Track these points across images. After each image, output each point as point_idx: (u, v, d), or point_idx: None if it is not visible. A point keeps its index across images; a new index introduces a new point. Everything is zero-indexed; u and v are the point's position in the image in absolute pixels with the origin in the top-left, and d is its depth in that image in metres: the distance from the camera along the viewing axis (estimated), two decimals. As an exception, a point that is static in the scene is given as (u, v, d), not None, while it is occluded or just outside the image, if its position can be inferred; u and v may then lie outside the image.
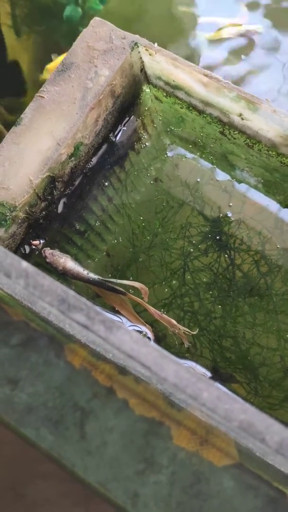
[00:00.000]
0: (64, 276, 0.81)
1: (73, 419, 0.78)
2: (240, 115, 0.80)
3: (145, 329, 0.80)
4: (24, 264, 0.45)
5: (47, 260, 0.80)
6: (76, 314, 0.43)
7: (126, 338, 0.42)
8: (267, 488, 0.83)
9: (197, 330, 0.83)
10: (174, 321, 0.79)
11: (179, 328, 0.79)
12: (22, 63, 1.41)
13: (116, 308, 0.81)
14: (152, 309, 0.78)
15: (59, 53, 1.38)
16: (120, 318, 0.79)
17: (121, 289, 0.79)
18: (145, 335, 0.78)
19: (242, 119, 0.80)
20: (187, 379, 0.42)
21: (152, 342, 0.44)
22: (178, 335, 0.80)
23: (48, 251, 0.80)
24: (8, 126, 1.02)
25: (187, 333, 0.80)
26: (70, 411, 0.82)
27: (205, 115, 0.86)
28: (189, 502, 0.80)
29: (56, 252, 0.81)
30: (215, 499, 0.81)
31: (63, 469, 0.82)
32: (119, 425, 0.83)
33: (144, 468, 0.81)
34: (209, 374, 0.80)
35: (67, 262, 0.79)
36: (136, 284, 0.79)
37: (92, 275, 0.79)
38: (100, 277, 0.79)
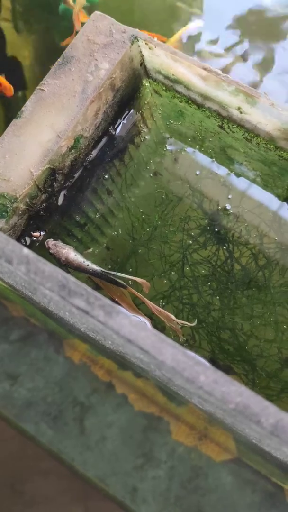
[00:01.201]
0: (66, 267, 0.82)
1: (72, 414, 0.79)
2: (239, 108, 0.81)
3: (144, 320, 0.81)
4: (25, 250, 0.45)
5: (50, 251, 0.81)
6: (76, 299, 0.44)
7: (125, 322, 0.43)
8: (265, 482, 0.84)
9: (195, 322, 0.83)
10: (171, 316, 0.80)
11: (177, 323, 0.80)
12: (22, 58, 1.41)
13: (116, 300, 0.82)
14: (150, 303, 0.79)
15: (57, 50, 1.38)
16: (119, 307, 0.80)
17: (121, 281, 0.80)
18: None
19: (241, 112, 0.81)
20: (184, 362, 0.42)
21: (150, 327, 0.45)
22: (175, 330, 0.81)
23: (51, 242, 0.81)
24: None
25: (185, 325, 0.81)
26: (69, 406, 0.83)
27: (204, 109, 0.86)
28: (187, 497, 0.81)
29: (59, 243, 0.81)
30: (214, 493, 0.82)
31: (62, 464, 0.83)
32: (118, 420, 0.84)
33: (143, 463, 0.82)
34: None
35: (70, 253, 0.80)
36: (138, 280, 0.80)
37: (94, 266, 0.80)
38: (102, 269, 0.80)
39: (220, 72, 0.77)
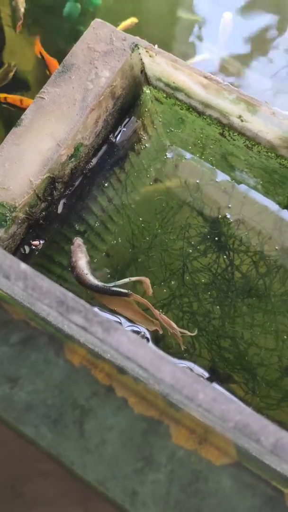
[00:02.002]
0: (71, 270, 0.82)
1: (72, 417, 0.78)
2: (240, 117, 0.80)
3: (153, 327, 0.80)
4: (23, 266, 0.45)
5: (71, 248, 0.82)
6: (75, 315, 0.44)
7: (123, 339, 0.43)
8: (265, 487, 0.84)
9: (196, 331, 0.83)
10: (173, 324, 0.79)
11: (177, 331, 0.80)
12: (24, 62, 1.41)
13: (117, 310, 0.81)
14: (154, 310, 0.79)
15: (60, 53, 1.38)
16: (119, 318, 0.80)
17: (125, 291, 0.79)
18: (143, 336, 0.78)
19: (242, 121, 0.81)
20: (183, 380, 0.42)
21: (149, 343, 0.44)
22: (175, 337, 0.81)
23: (78, 241, 0.82)
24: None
25: (185, 334, 0.81)
26: (69, 409, 0.83)
27: (205, 117, 0.86)
28: (187, 500, 0.80)
29: (83, 248, 0.82)
30: (213, 498, 0.82)
31: (62, 467, 0.82)
32: (118, 423, 0.83)
33: (143, 466, 0.82)
34: (206, 374, 0.81)
35: (81, 260, 0.81)
36: (138, 279, 0.79)
37: (97, 282, 0.79)
38: (103, 283, 0.79)
39: (221, 80, 0.76)
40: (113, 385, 0.86)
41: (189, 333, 0.81)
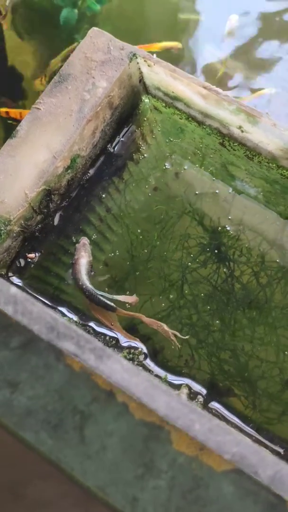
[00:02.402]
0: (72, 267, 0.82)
1: (72, 423, 0.77)
2: (240, 127, 0.79)
3: (136, 343, 0.80)
4: (13, 289, 0.44)
5: (76, 245, 0.82)
6: (66, 342, 0.42)
7: (117, 367, 0.41)
8: (267, 493, 0.83)
9: (188, 336, 0.82)
10: (164, 325, 0.79)
11: (167, 331, 0.79)
12: (23, 67, 1.40)
13: (100, 320, 0.81)
14: (139, 315, 0.78)
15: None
16: (116, 334, 0.79)
17: (111, 304, 0.79)
18: (140, 352, 0.77)
19: (242, 131, 0.79)
20: (178, 410, 0.41)
21: (143, 372, 0.43)
22: (169, 339, 0.80)
23: (84, 240, 0.83)
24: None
25: (177, 336, 0.80)
26: (69, 415, 0.82)
27: (204, 126, 0.84)
28: (188, 507, 0.79)
29: (87, 247, 0.83)
30: (215, 504, 0.80)
31: (62, 473, 0.81)
32: (119, 429, 0.82)
33: (144, 472, 0.80)
34: (205, 391, 0.79)
35: (83, 258, 0.81)
36: (126, 299, 0.79)
37: (88, 284, 0.79)
38: (95, 290, 0.79)
39: (220, 91, 0.75)
40: (113, 390, 0.85)
41: (180, 336, 0.80)
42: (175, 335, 0.80)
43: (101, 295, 0.79)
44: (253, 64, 1.35)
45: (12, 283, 0.76)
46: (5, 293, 0.43)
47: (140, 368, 0.69)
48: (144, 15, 1.44)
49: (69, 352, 0.41)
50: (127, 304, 0.82)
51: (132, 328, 0.84)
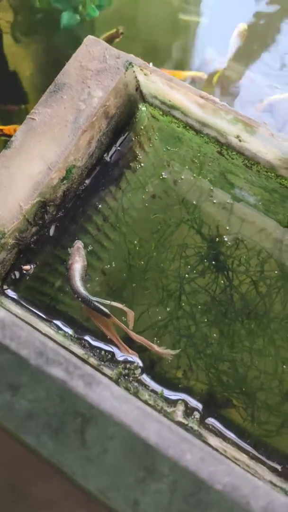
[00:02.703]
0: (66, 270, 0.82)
1: (73, 426, 0.76)
2: (238, 137, 0.77)
3: (127, 353, 0.79)
4: (1, 313, 0.43)
5: (70, 249, 0.82)
6: (54, 368, 0.41)
7: (106, 395, 0.40)
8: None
9: (179, 350, 0.81)
10: (154, 346, 0.78)
11: (158, 350, 0.78)
12: (22, 70, 1.39)
13: (98, 325, 0.80)
14: (131, 333, 0.78)
15: (58, 60, 1.37)
16: (112, 348, 0.78)
17: (106, 310, 0.78)
18: (136, 366, 0.76)
19: (240, 140, 0.78)
20: (169, 439, 0.40)
21: (133, 398, 0.42)
22: (160, 354, 0.79)
23: (78, 244, 0.82)
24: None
25: (168, 353, 0.80)
26: (70, 418, 0.81)
27: (202, 135, 0.83)
28: (189, 511, 0.78)
29: (82, 251, 0.82)
30: (215, 508, 0.80)
31: (63, 477, 0.80)
32: (120, 432, 0.81)
33: (145, 476, 0.80)
34: (201, 405, 0.78)
35: (77, 263, 0.80)
36: (125, 308, 0.78)
37: (81, 290, 0.78)
38: (89, 296, 0.78)
39: (217, 100, 0.73)
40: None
41: (171, 352, 0.79)
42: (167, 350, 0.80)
43: (96, 301, 0.78)
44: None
45: (7, 296, 0.75)
46: (-7, 317, 0.42)
47: (132, 391, 0.68)
48: (144, 19, 1.43)
49: (58, 378, 0.40)
50: (123, 317, 0.81)
51: (128, 338, 0.84)
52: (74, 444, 0.79)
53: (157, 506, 0.77)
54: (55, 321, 0.78)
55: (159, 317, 0.84)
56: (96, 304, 0.77)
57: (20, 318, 0.68)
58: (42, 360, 0.41)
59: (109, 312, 0.78)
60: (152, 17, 1.43)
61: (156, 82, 0.77)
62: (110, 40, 1.27)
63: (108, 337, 0.79)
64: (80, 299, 0.79)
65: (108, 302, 0.78)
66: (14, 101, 1.35)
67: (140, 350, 0.82)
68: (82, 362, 0.47)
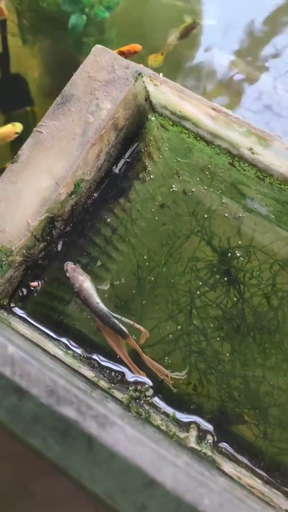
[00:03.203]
0: (76, 295, 0.79)
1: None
2: (251, 149, 0.75)
3: (136, 373, 0.77)
4: (10, 349, 0.41)
5: (67, 275, 0.78)
6: (66, 407, 0.39)
7: (120, 437, 0.39)
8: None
9: (185, 373, 0.80)
10: (164, 370, 0.76)
11: (168, 376, 0.77)
12: (29, 72, 1.37)
13: (108, 341, 0.78)
14: (145, 356, 0.76)
15: (66, 61, 1.35)
16: (121, 368, 0.76)
17: (124, 329, 0.76)
18: (147, 388, 0.74)
19: (253, 153, 0.76)
20: (186, 483, 0.38)
21: (148, 441, 0.40)
22: (167, 382, 0.78)
23: (70, 266, 0.78)
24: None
25: (177, 377, 0.78)
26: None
27: (213, 146, 0.81)
28: None
29: (78, 269, 0.79)
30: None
31: (70, 480, 0.79)
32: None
33: (152, 480, 0.78)
34: (212, 427, 0.77)
35: (85, 282, 0.78)
36: (141, 329, 0.76)
37: (102, 306, 0.76)
38: (109, 311, 0.76)
39: (230, 112, 0.71)
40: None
41: (180, 376, 0.78)
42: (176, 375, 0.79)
43: (116, 318, 0.76)
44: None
45: (14, 314, 0.74)
46: (2, 353, 0.41)
47: (144, 416, 0.66)
48: (150, 20, 1.41)
49: (70, 418, 0.38)
50: (134, 336, 0.79)
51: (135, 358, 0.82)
52: (81, 447, 0.78)
53: (164, 510, 0.76)
54: (62, 339, 0.77)
55: (170, 329, 0.83)
56: (116, 321, 0.76)
57: (28, 338, 0.66)
58: (53, 399, 0.39)
59: (127, 332, 0.76)
60: (158, 17, 1.41)
61: (166, 92, 0.75)
62: (186, 33, 1.23)
63: (118, 356, 0.77)
64: (100, 316, 0.77)
65: (131, 322, 0.77)
66: (20, 103, 1.33)
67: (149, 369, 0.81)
68: (95, 399, 0.45)
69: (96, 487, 0.75)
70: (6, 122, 1.28)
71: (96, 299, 0.77)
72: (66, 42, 1.39)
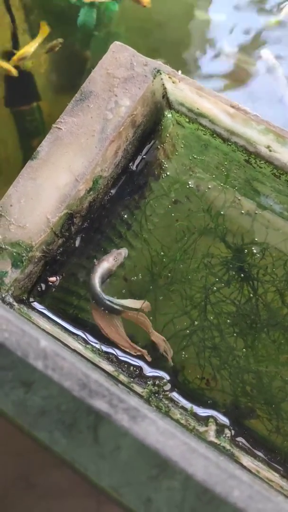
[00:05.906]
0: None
1: (86, 423, 0.76)
2: (268, 147, 0.76)
3: (134, 352, 0.78)
4: (43, 343, 0.42)
5: (113, 249, 0.82)
6: (98, 401, 0.40)
7: (151, 429, 0.39)
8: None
9: (171, 363, 0.81)
10: (163, 342, 0.78)
11: (169, 349, 0.78)
12: (37, 67, 1.38)
13: (102, 328, 0.79)
14: (142, 320, 0.78)
15: (73, 56, 1.35)
16: (113, 350, 0.77)
17: (116, 307, 0.77)
18: (165, 383, 0.75)
19: (270, 151, 0.76)
20: (217, 475, 0.39)
21: (178, 433, 0.41)
22: (165, 354, 0.79)
23: (122, 250, 0.83)
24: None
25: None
26: (83, 414, 0.81)
27: (229, 143, 0.81)
28: (202, 508, 0.78)
29: (119, 258, 0.83)
30: (228, 505, 0.79)
31: (76, 473, 0.80)
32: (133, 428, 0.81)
33: (158, 473, 0.79)
34: (229, 421, 0.77)
35: (105, 262, 0.80)
36: (135, 303, 0.78)
37: (97, 286, 0.78)
38: (103, 294, 0.78)
39: (249, 110, 0.72)
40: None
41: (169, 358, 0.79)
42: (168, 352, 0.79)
43: (108, 300, 0.78)
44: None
45: (33, 308, 0.74)
46: (35, 347, 0.41)
47: (164, 410, 0.67)
48: (158, 15, 1.41)
49: (102, 411, 0.39)
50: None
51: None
52: (87, 440, 0.78)
53: (170, 503, 0.77)
54: (80, 334, 0.78)
55: (185, 324, 0.83)
56: (108, 302, 0.77)
57: (49, 333, 0.67)
58: (85, 392, 0.40)
59: (119, 308, 0.77)
60: (166, 12, 1.41)
61: (184, 90, 0.76)
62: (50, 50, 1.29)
63: (112, 339, 0.78)
64: (92, 294, 0.78)
65: (120, 301, 0.77)
66: (27, 98, 1.33)
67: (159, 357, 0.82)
68: (125, 393, 0.46)
69: (102, 481, 0.76)
70: (13, 116, 1.29)
71: (96, 280, 0.79)
72: (74, 37, 1.39)
